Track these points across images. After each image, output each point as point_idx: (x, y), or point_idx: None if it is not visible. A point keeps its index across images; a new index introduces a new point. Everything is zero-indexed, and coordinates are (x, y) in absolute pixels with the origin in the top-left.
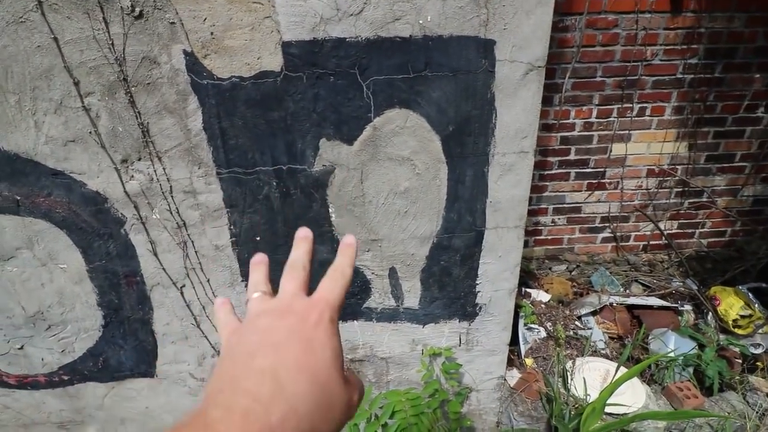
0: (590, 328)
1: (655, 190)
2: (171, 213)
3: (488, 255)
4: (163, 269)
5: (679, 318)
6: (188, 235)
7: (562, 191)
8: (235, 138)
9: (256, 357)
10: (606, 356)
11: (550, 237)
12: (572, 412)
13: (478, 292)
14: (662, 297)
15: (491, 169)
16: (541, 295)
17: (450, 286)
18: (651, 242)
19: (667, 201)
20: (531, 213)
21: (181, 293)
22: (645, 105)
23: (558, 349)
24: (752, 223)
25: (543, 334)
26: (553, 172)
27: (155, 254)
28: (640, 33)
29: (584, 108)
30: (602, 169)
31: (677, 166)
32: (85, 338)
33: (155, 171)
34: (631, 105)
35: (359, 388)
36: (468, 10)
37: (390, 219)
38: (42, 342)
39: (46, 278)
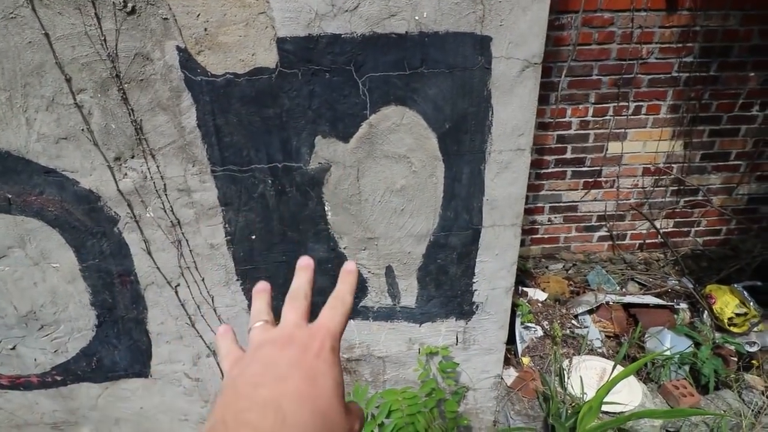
0: (587, 327)
1: (651, 188)
2: (165, 211)
3: (485, 253)
4: (158, 268)
5: (675, 316)
6: (183, 233)
7: (559, 190)
8: (229, 135)
9: (258, 388)
10: (602, 355)
11: (546, 236)
12: (569, 411)
13: (475, 290)
14: (658, 295)
15: (488, 167)
16: (537, 294)
17: (447, 284)
18: (647, 241)
19: (663, 199)
20: (527, 212)
21: (176, 292)
22: (641, 103)
23: (555, 347)
24: (747, 221)
25: (540, 332)
26: (549, 170)
27: (149, 253)
28: (636, 31)
29: (580, 106)
30: (598, 168)
31: (673, 165)
32: (79, 338)
33: (149, 169)
34: (626, 103)
35: (360, 416)
36: (464, 6)
37: (386, 217)
38: (34, 342)
39: (39, 277)
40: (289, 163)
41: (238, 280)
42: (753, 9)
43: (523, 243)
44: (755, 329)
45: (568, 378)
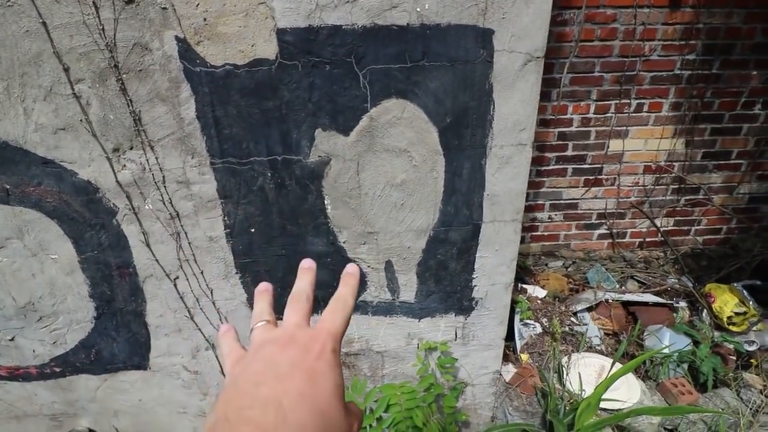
0: (586, 324)
1: (652, 186)
2: (164, 203)
3: (485, 249)
4: (156, 260)
5: (674, 315)
6: (181, 226)
7: (559, 187)
8: (229, 127)
9: (260, 386)
10: (601, 352)
11: (546, 233)
12: (567, 408)
13: (475, 286)
14: (657, 294)
15: (489, 162)
16: (537, 291)
17: (446, 279)
18: (647, 239)
19: (664, 198)
20: (527, 209)
21: (175, 285)
22: (642, 101)
23: (554, 344)
24: (748, 220)
25: (538, 329)
26: (550, 167)
27: (148, 245)
28: (639, 28)
29: (582, 103)
30: (599, 166)
31: (674, 163)
32: (77, 330)
33: (147, 160)
34: (628, 101)
35: (359, 417)
36: None
37: (386, 211)
38: (33, 333)
39: (37, 269)
40: (288, 156)
41: (237, 273)
42: (756, 7)
43: (523, 240)
44: (754, 328)
45: (567, 375)
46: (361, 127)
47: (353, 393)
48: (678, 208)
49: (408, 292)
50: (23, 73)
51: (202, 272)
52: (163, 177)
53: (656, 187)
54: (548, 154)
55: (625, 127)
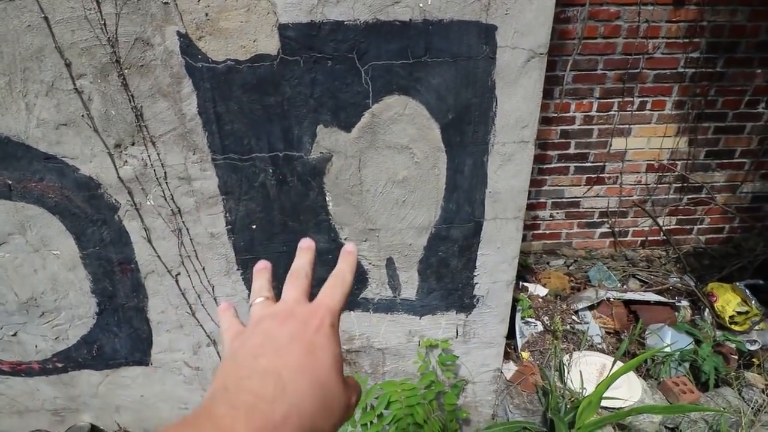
0: (587, 323)
1: (654, 185)
2: (165, 199)
3: (487, 246)
4: (158, 257)
5: (676, 314)
6: (183, 222)
7: (561, 185)
8: (230, 123)
9: (259, 358)
10: (602, 351)
11: (548, 231)
12: (568, 406)
13: (476, 283)
14: (659, 293)
15: (491, 159)
16: (538, 290)
17: (448, 277)
18: (649, 238)
19: (666, 197)
20: (529, 207)
21: (176, 281)
22: (646, 99)
23: (555, 342)
24: (750, 219)
25: (540, 328)
26: (552, 165)
27: (149, 241)
28: (642, 25)
29: (584, 101)
30: (602, 164)
31: (677, 162)
32: (79, 325)
33: (149, 156)
34: (631, 99)
35: (357, 390)
36: None
37: (388, 208)
38: (35, 329)
39: (39, 264)
40: (290, 153)
41: (238, 269)
42: (761, 5)
43: (524, 238)
44: (756, 328)
45: (568, 373)
46: (363, 123)
47: None
48: (680, 207)
49: (409, 290)
50: (25, 68)
51: (203, 268)
52: (165, 173)
53: (659, 185)
54: (550, 152)
55: (627, 125)
